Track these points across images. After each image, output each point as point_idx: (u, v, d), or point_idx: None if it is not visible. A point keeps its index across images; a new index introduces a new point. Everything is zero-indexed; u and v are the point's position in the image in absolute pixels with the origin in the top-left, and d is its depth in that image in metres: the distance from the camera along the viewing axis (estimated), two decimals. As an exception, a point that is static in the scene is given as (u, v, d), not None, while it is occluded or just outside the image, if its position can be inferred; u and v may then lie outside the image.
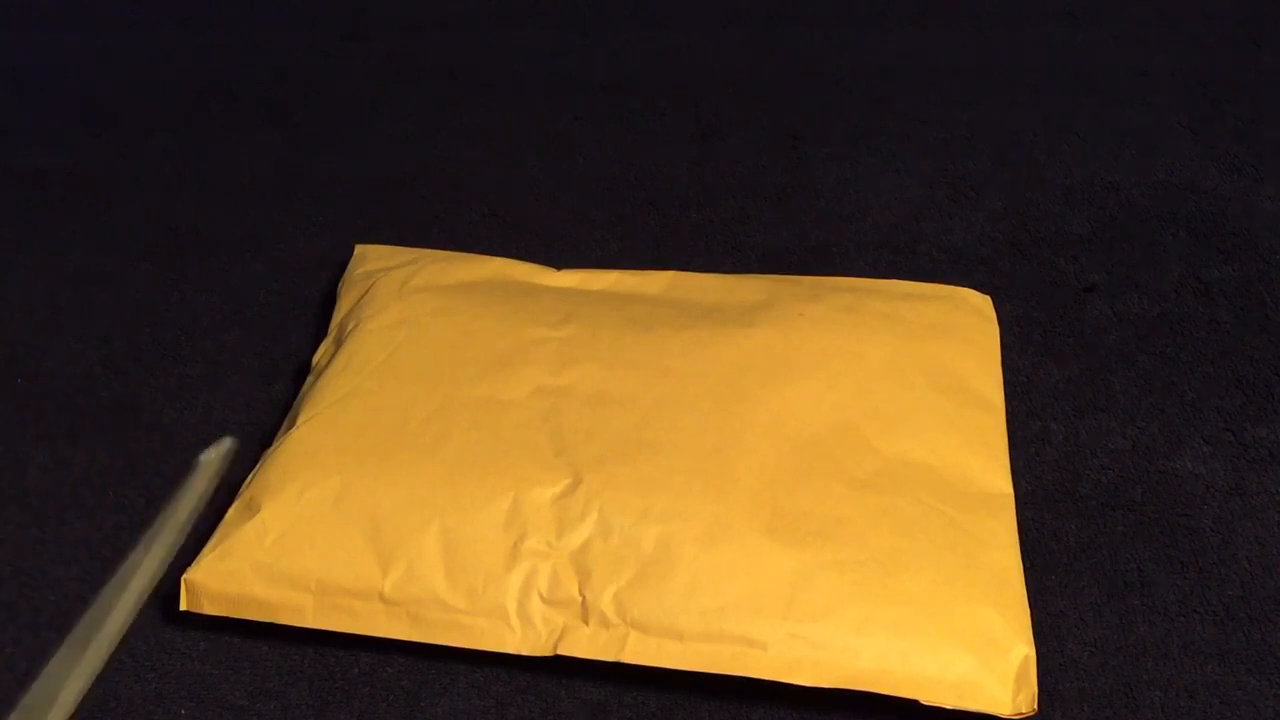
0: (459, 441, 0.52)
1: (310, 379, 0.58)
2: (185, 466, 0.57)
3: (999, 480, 0.52)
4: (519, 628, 0.48)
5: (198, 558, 0.50)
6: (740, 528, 0.49)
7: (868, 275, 0.69)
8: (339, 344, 0.59)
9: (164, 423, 0.60)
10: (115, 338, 0.66)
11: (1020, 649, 0.46)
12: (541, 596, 0.48)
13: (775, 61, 0.90)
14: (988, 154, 0.79)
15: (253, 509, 0.51)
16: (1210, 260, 0.69)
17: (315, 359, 0.60)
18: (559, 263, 0.66)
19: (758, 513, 0.49)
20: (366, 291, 0.62)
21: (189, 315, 0.68)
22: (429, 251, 0.66)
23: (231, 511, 0.51)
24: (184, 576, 0.50)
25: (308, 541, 0.50)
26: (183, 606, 0.49)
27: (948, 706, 0.45)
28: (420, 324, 0.59)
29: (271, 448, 0.54)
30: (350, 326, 0.60)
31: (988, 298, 0.62)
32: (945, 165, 0.78)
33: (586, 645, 0.47)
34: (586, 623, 0.47)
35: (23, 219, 0.76)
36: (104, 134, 0.86)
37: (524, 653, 0.47)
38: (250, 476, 0.53)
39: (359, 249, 0.67)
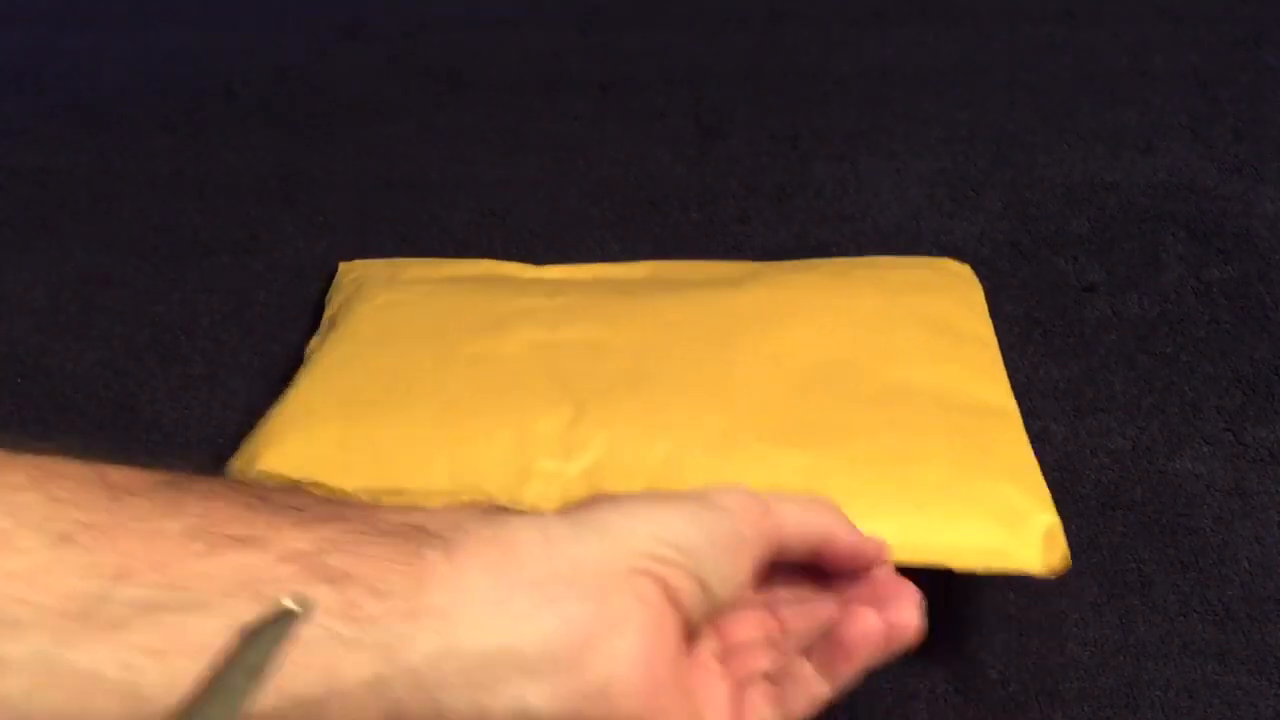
0: (458, 388, 0.52)
1: (304, 363, 0.58)
2: (185, 466, 0.57)
3: (1003, 399, 0.53)
4: None
5: None
6: (748, 437, 0.49)
7: (868, 275, 0.69)
8: (331, 328, 0.60)
9: (164, 423, 0.60)
10: (115, 338, 0.66)
11: (1044, 516, 0.46)
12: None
13: (775, 61, 0.90)
14: (988, 154, 0.79)
15: (252, 462, 0.50)
16: (1210, 260, 0.69)
17: (308, 349, 0.60)
18: (559, 264, 0.66)
19: (765, 425, 0.50)
20: (357, 289, 0.62)
21: (189, 315, 0.68)
22: (416, 259, 0.67)
23: (232, 465, 0.51)
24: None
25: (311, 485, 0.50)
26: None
27: (979, 571, 0.44)
28: (411, 303, 0.60)
29: (269, 411, 0.53)
30: (342, 314, 0.60)
31: (967, 266, 0.63)
32: (945, 165, 0.78)
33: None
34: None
35: (23, 219, 0.76)
36: (104, 134, 0.86)
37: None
38: (248, 436, 0.52)
39: (344, 265, 0.67)
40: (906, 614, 0.37)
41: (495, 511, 0.33)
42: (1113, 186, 0.75)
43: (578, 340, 0.55)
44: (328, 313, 0.62)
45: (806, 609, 0.39)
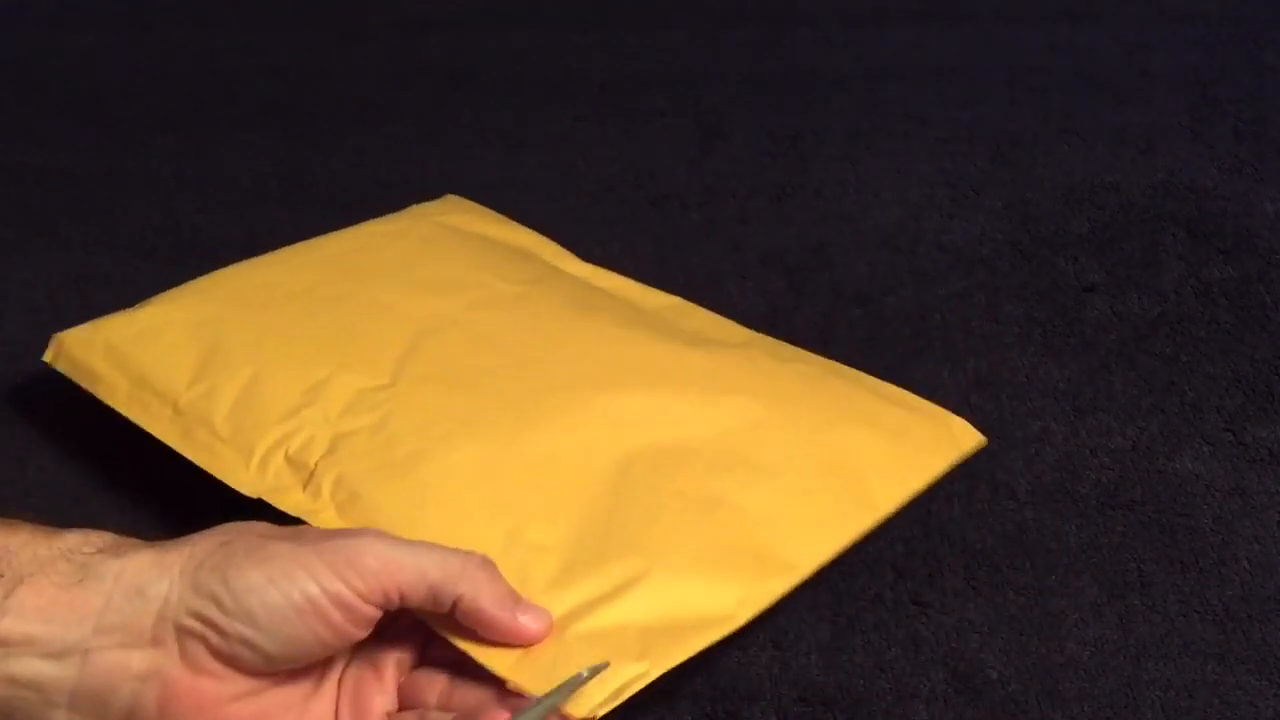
0: (323, 321, 0.56)
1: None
2: (185, 466, 0.57)
3: (802, 555, 0.46)
4: (253, 470, 0.50)
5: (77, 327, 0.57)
6: (499, 467, 0.48)
7: (867, 275, 0.69)
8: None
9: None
10: (115, 338, 0.66)
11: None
12: (287, 454, 0.50)
13: (775, 61, 0.90)
14: (988, 154, 0.79)
15: (137, 307, 0.58)
16: (1210, 260, 0.69)
17: None
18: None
19: (529, 461, 0.49)
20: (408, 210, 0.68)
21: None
22: (489, 213, 0.69)
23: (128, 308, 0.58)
24: (55, 335, 0.56)
25: (156, 342, 0.55)
26: (44, 358, 0.56)
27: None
28: (401, 235, 0.64)
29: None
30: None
31: (976, 436, 0.53)
32: (945, 165, 0.78)
33: (290, 505, 0.48)
34: (305, 489, 0.48)
35: (23, 219, 0.76)
36: (104, 134, 0.86)
37: (243, 492, 0.49)
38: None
39: (452, 198, 0.70)
40: None
41: (91, 556, 0.38)
42: (1113, 186, 0.75)
43: (476, 329, 0.56)
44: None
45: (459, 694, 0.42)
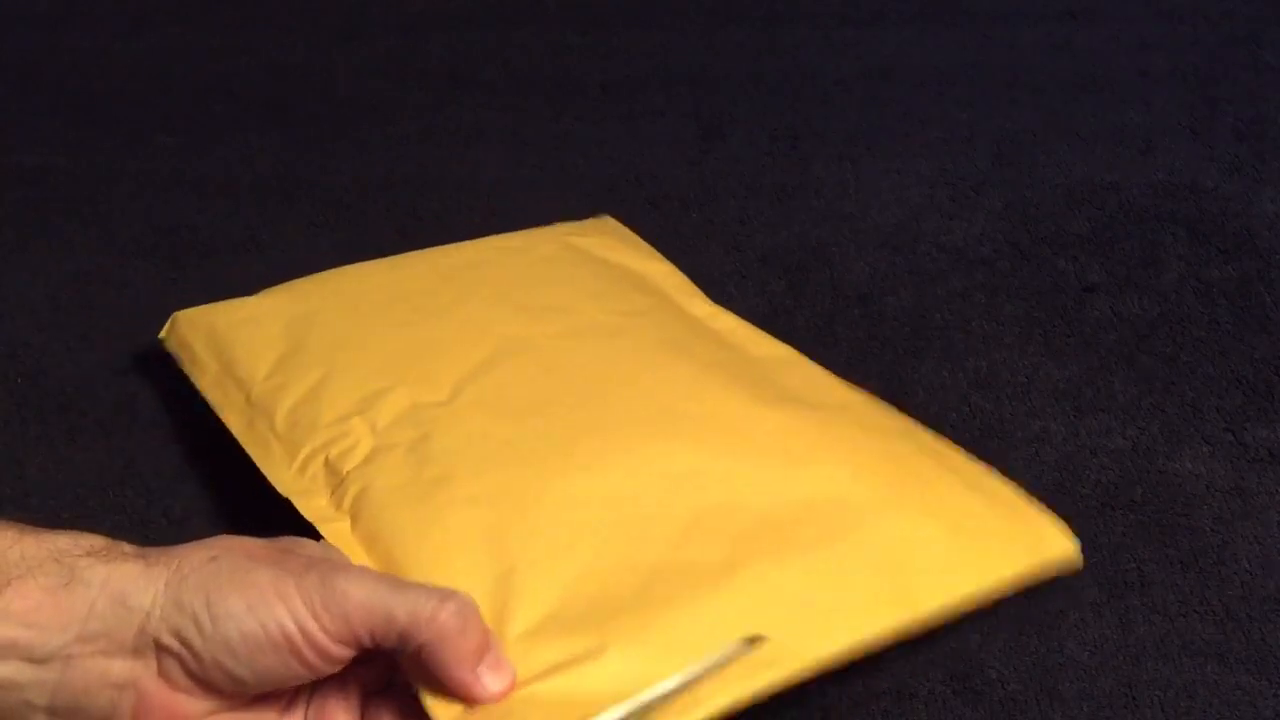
0: (407, 332, 0.56)
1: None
2: (185, 466, 0.57)
3: (804, 645, 0.42)
4: (294, 470, 0.50)
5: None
6: (518, 502, 0.46)
7: (867, 275, 0.69)
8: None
9: (164, 423, 0.60)
10: (115, 338, 0.66)
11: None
12: (327, 458, 0.50)
13: (775, 61, 0.90)
14: (988, 154, 0.79)
15: (253, 295, 0.60)
16: (1210, 260, 0.69)
17: None
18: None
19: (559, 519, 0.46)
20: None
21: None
22: (630, 238, 0.68)
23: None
24: (177, 312, 0.59)
25: (251, 331, 0.57)
26: (160, 335, 0.59)
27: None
28: (522, 252, 0.63)
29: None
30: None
31: (1068, 546, 0.47)
32: (945, 165, 0.78)
33: (310, 510, 0.47)
34: (331, 495, 0.48)
35: (23, 219, 0.76)
36: (104, 134, 0.86)
37: (278, 489, 0.49)
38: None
39: (605, 219, 0.69)
40: None
41: (79, 559, 0.38)
42: (1113, 186, 0.75)
43: (559, 358, 0.54)
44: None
45: None
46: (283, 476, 0.50)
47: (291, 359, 0.55)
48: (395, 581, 0.40)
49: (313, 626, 0.38)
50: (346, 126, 0.85)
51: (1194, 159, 0.77)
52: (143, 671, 0.38)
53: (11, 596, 0.37)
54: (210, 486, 0.56)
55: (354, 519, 0.47)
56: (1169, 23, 0.93)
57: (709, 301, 0.62)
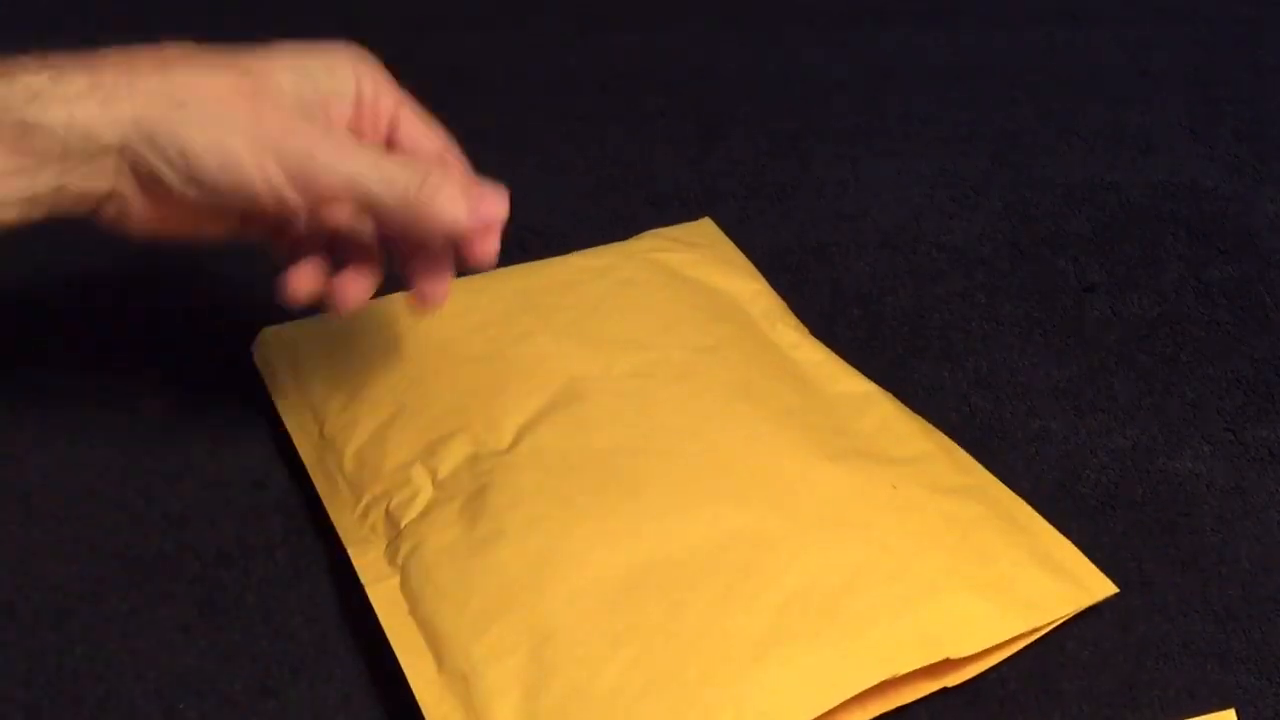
0: (479, 367, 0.55)
1: None
2: (185, 466, 0.57)
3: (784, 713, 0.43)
4: (356, 515, 0.50)
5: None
6: (559, 571, 0.46)
7: (867, 275, 0.69)
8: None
9: (165, 423, 0.60)
10: (115, 338, 0.66)
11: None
12: (388, 508, 0.50)
13: (775, 61, 0.90)
14: (988, 154, 0.79)
15: (343, 315, 0.56)
16: (1210, 260, 0.69)
17: None
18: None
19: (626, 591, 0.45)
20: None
21: (189, 315, 0.68)
22: (725, 249, 0.67)
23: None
24: (265, 328, 0.59)
25: (329, 355, 0.56)
26: (252, 348, 0.59)
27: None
28: (603, 274, 0.61)
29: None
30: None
31: (1108, 586, 0.49)
32: (945, 165, 0.78)
33: (364, 568, 0.48)
34: (386, 548, 0.48)
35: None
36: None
37: (339, 533, 0.50)
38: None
39: (704, 223, 0.69)
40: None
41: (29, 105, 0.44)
42: (1113, 186, 0.75)
43: (636, 398, 0.53)
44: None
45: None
46: (345, 521, 0.50)
47: (364, 391, 0.54)
48: (375, 157, 0.46)
49: (290, 195, 0.43)
50: (346, 126, 0.85)
51: (1194, 159, 0.77)
52: (126, 186, 0.44)
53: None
54: (210, 486, 0.56)
55: (404, 576, 0.47)
56: (1169, 23, 0.93)
57: (795, 327, 0.61)
